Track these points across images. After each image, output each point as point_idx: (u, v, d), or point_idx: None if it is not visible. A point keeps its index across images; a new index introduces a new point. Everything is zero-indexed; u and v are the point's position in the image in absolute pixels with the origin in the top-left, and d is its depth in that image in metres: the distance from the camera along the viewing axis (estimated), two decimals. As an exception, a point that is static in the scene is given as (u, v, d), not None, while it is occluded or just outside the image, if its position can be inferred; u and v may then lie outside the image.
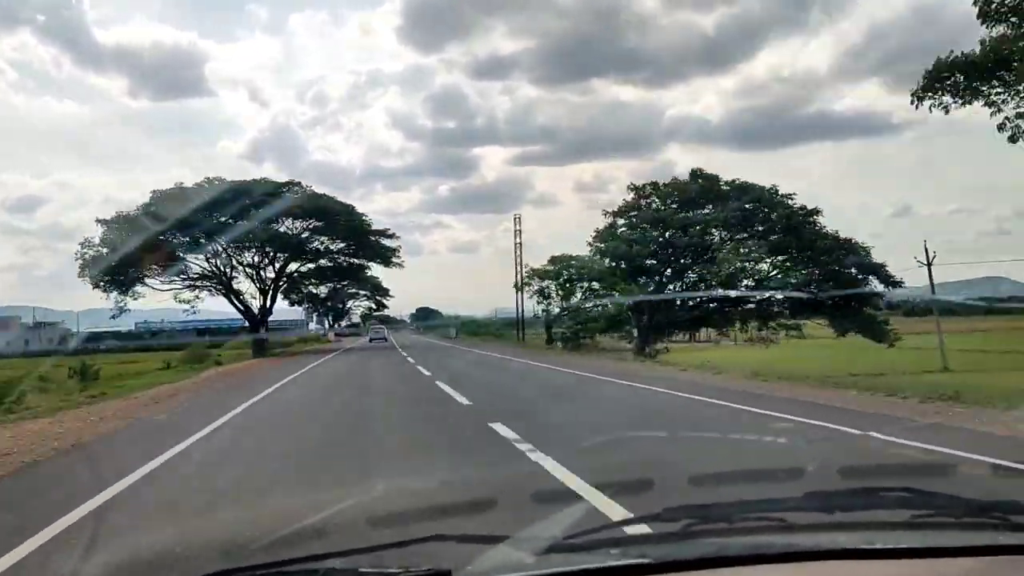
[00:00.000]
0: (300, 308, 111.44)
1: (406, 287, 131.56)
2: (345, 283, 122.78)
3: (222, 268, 44.10)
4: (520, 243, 65.82)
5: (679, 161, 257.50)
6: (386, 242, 46.50)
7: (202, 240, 42.42)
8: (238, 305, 45.00)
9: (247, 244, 43.78)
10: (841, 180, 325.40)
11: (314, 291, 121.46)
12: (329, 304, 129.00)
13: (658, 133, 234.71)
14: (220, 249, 43.58)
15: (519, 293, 65.50)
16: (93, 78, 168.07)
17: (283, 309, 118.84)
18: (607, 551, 1.54)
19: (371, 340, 69.10)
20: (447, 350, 41.93)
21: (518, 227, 66.44)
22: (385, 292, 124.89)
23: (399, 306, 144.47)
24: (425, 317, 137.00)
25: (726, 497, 1.92)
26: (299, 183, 44.51)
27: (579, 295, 46.86)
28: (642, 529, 1.90)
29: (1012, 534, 1.57)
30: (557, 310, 48.44)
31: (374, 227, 46.24)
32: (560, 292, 46.63)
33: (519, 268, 65.57)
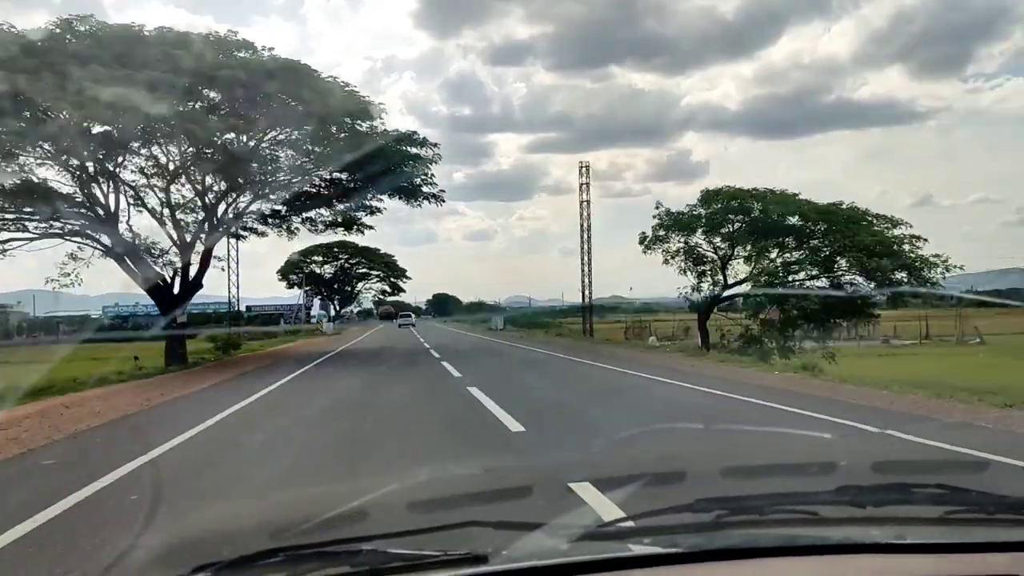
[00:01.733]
0: (300, 292, 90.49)
1: (420, 274, 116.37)
2: (354, 261, 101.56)
3: (97, 197, 23.03)
4: (587, 201, 45.12)
5: (696, 149, 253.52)
6: (415, 151, 24.65)
7: (56, 140, 21.46)
8: (132, 268, 23.65)
9: (145, 151, 22.82)
10: (861, 169, 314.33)
11: (317, 271, 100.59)
12: (335, 287, 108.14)
13: (675, 120, 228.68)
14: (91, 161, 22.54)
15: (586, 269, 44.80)
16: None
17: (279, 294, 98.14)
18: (640, 540, 1.53)
19: (400, 325, 68.16)
20: (534, 363, 20.96)
21: (585, 179, 45.64)
22: (401, 273, 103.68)
23: (413, 292, 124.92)
24: (442, 304, 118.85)
25: (758, 490, 1.82)
26: (251, 44, 23.20)
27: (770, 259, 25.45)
28: (675, 519, 1.66)
29: None
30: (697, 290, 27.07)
31: (389, 129, 24.21)
32: (743, 253, 25.23)
33: (586, 231, 44.85)
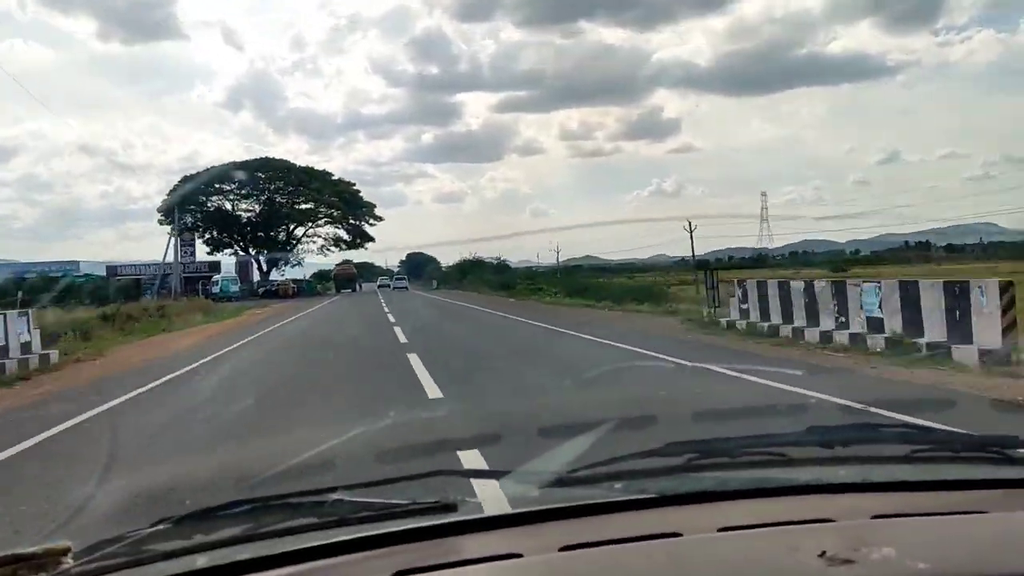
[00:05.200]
0: (169, 241, 52.77)
1: (388, 237, 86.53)
2: (290, 191, 64.18)
3: None
4: None
5: (667, 107, 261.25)
6: None
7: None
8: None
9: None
10: (829, 125, 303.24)
11: (227, 208, 62.66)
12: (260, 235, 70.49)
13: (646, 77, 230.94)
14: None
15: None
16: (60, 20, 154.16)
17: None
18: (610, 485, 1.55)
19: (394, 288, 60.98)
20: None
21: None
22: (367, 210, 64.83)
23: (382, 254, 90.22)
24: (419, 266, 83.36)
25: (728, 433, 1.81)
26: None
27: None
28: (644, 464, 1.67)
29: (1010, 467, 1.56)
30: None
31: None
32: None
33: None
